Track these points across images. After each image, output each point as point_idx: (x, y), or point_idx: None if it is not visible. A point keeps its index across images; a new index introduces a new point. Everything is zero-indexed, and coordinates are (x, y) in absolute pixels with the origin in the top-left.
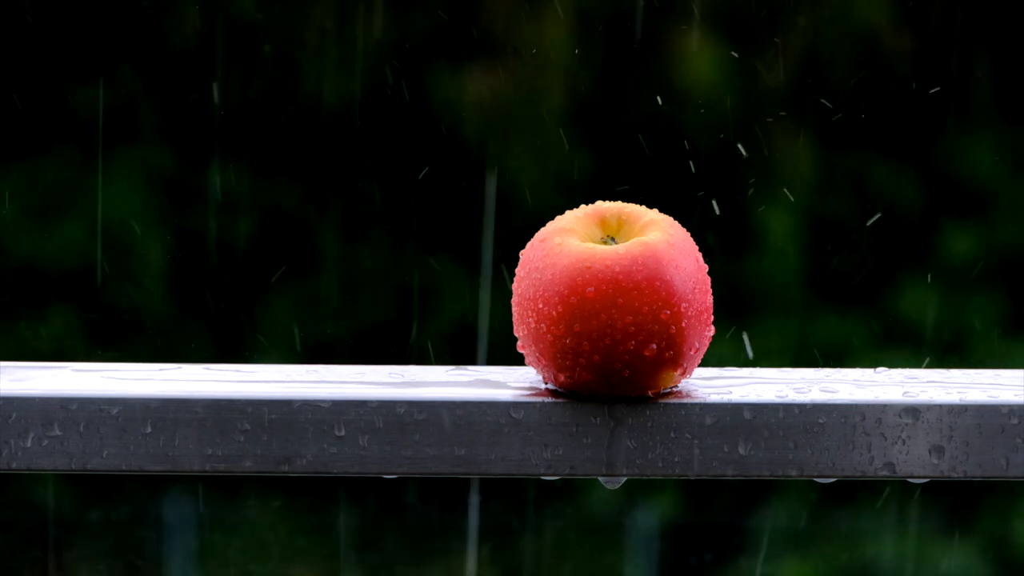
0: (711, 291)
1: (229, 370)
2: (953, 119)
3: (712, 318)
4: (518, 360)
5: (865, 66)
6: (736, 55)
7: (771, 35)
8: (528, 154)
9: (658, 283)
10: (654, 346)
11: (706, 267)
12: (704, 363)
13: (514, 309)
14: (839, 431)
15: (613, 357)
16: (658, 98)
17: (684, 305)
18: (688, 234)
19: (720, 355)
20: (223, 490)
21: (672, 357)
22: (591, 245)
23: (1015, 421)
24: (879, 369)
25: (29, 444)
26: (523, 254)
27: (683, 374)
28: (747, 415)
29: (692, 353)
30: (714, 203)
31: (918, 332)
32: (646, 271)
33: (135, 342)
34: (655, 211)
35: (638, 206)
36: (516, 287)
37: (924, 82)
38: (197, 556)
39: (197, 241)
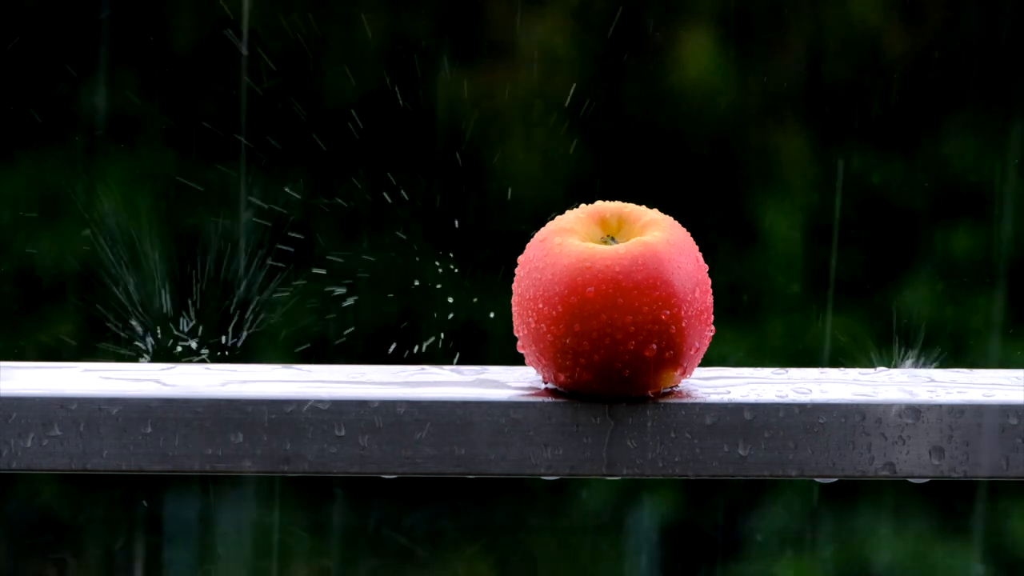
0: (711, 291)
1: (229, 370)
2: (954, 117)
3: (712, 318)
4: (518, 360)
5: (865, 64)
6: (736, 54)
7: (772, 34)
8: (528, 154)
9: (658, 283)
10: (654, 346)
11: (706, 267)
12: (704, 363)
13: (514, 309)
14: (839, 431)
15: (613, 357)
16: (658, 97)
17: (684, 305)
18: (688, 234)
19: (720, 355)
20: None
21: (672, 357)
22: (591, 245)
23: (1015, 421)
24: (879, 369)
25: (29, 444)
26: (523, 254)
27: (683, 374)
28: (747, 415)
29: (692, 353)
30: (714, 203)
31: (918, 332)
32: (646, 271)
33: (135, 342)
34: (655, 211)
35: (638, 206)
36: (516, 287)
37: (925, 80)
38: (197, 556)
39: (198, 240)
